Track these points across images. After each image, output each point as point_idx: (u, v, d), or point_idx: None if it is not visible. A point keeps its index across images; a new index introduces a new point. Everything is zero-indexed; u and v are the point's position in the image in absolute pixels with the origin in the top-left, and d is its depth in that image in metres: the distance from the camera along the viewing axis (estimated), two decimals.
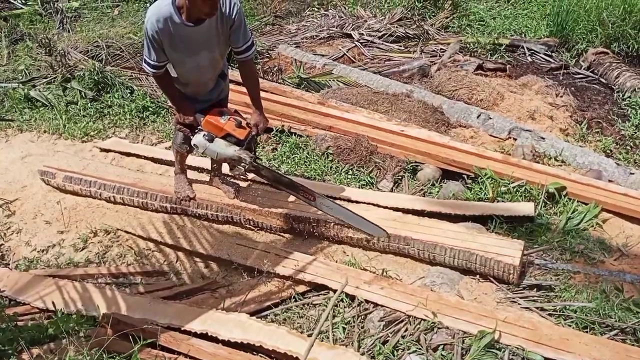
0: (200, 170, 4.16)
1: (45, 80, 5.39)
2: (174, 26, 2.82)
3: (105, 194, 3.83)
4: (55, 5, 6.89)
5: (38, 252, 3.53)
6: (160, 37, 2.84)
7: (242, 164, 3.15)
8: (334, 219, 3.31)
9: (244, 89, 3.46)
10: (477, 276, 3.04)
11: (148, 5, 6.75)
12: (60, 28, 6.50)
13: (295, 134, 4.47)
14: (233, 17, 2.89)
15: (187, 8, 2.77)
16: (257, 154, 3.32)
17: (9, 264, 3.42)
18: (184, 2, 2.74)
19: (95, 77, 5.16)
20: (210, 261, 3.35)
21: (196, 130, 3.20)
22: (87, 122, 4.87)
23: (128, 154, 4.41)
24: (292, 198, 3.52)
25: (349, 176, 4.03)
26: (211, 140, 3.12)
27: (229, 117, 3.16)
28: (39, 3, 7.03)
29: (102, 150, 4.51)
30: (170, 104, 3.36)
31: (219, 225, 3.60)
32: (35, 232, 3.69)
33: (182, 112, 3.20)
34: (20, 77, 5.52)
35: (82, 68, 5.30)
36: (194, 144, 3.20)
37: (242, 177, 3.37)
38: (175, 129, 3.41)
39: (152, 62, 2.95)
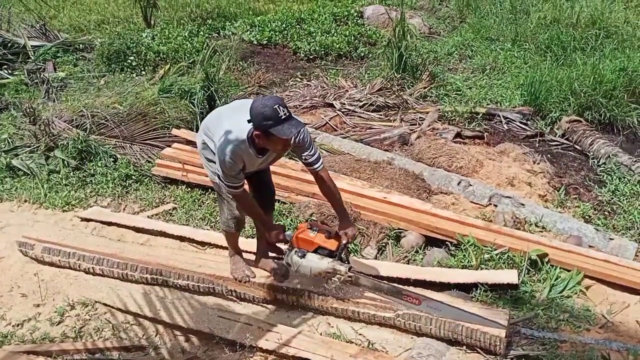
0: (181, 239, 4.13)
1: (28, 149, 5.38)
2: (248, 157, 2.97)
3: (84, 265, 3.76)
4: (42, 75, 6.98)
5: (13, 326, 3.41)
6: (238, 167, 2.95)
7: (338, 276, 3.08)
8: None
9: None
10: (464, 347, 3.00)
11: (135, 76, 6.92)
12: (46, 97, 6.54)
13: (278, 200, 4.48)
14: (297, 139, 2.98)
15: (260, 143, 2.88)
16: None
17: None
18: (260, 142, 2.87)
19: (79, 146, 5.16)
20: (191, 334, 3.25)
21: (287, 248, 3.21)
22: (68, 191, 4.83)
23: (109, 223, 4.37)
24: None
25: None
26: (303, 256, 3.11)
27: (317, 229, 3.15)
28: (26, 73, 7.11)
29: (83, 219, 4.46)
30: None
31: (201, 296, 3.53)
32: (11, 305, 3.58)
33: (272, 233, 3.20)
34: (3, 146, 5.50)
35: (66, 137, 5.32)
36: (287, 263, 3.19)
37: (337, 289, 3.25)
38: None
39: (232, 185, 3.00)
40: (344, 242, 3.14)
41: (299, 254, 3.11)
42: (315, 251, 3.12)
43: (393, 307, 3.13)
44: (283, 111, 2.75)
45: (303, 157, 3.08)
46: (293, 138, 2.89)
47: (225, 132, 2.93)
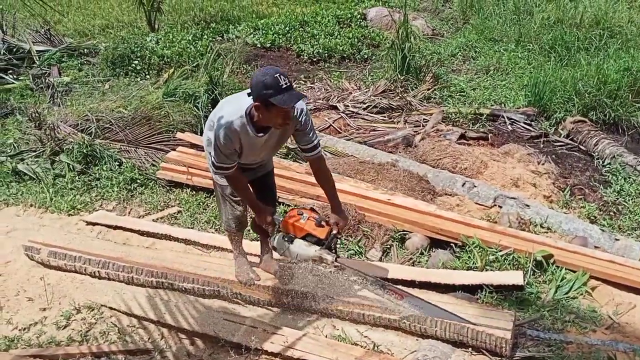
0: (186, 242, 4.14)
1: (33, 153, 5.41)
2: (245, 137, 2.88)
3: (90, 269, 3.77)
4: (47, 80, 7.02)
5: (19, 330, 3.42)
6: (232, 145, 2.87)
7: (324, 264, 3.07)
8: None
9: None
10: (470, 349, 2.99)
11: (139, 80, 6.95)
12: (51, 102, 6.58)
13: (283, 203, 4.49)
14: (299, 120, 2.93)
15: (259, 120, 2.82)
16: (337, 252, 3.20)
17: None
18: (258, 116, 2.80)
19: (84, 150, 5.19)
20: (196, 338, 3.25)
21: (275, 232, 3.17)
22: (74, 195, 4.86)
23: (114, 227, 4.38)
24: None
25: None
26: (291, 241, 3.08)
27: (308, 216, 3.11)
28: (31, 78, 7.16)
29: (89, 223, 4.48)
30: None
31: (206, 299, 3.54)
32: (17, 309, 3.59)
33: (261, 215, 3.17)
34: (9, 151, 5.54)
35: (71, 141, 5.35)
36: (273, 246, 3.17)
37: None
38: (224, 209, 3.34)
39: (224, 165, 2.94)
40: (334, 232, 3.11)
41: (287, 239, 3.09)
42: (303, 238, 3.09)
43: (396, 309, 3.13)
44: (284, 80, 2.68)
45: (305, 141, 3.01)
46: (294, 114, 2.84)
47: (225, 113, 2.88)
